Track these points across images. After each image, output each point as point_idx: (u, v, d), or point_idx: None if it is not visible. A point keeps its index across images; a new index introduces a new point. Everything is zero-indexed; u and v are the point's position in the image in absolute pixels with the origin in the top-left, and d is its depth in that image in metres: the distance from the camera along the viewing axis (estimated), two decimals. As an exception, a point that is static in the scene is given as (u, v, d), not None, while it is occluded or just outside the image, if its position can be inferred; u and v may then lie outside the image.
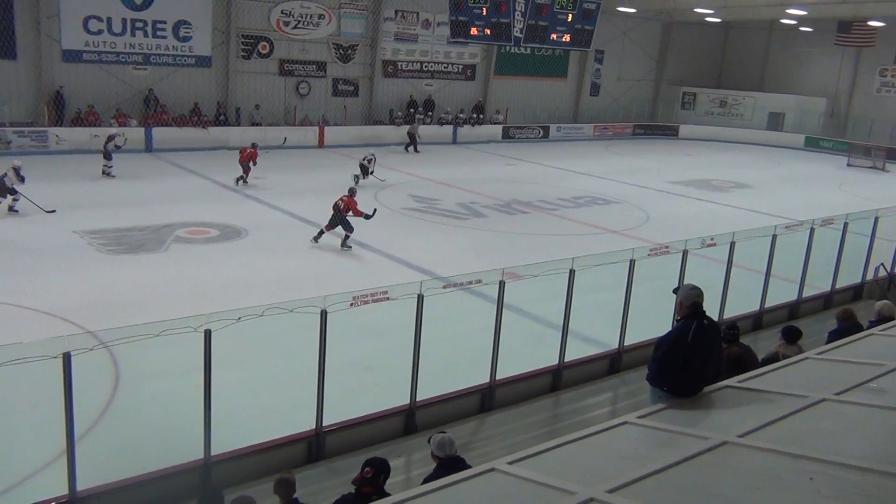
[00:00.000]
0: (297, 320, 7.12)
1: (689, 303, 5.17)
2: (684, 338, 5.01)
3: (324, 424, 7.48)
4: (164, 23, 26.73)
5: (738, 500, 3.19)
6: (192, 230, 16.14)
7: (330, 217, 15.59)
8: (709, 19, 38.97)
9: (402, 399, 8.10)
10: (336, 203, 15.65)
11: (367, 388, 9.21)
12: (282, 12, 29.21)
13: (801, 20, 36.84)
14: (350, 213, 15.54)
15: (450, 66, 34.71)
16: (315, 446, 7.50)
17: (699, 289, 5.27)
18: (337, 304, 7.10)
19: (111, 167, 21.19)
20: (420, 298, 7.73)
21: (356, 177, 21.03)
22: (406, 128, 30.79)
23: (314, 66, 30.62)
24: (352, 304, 7.22)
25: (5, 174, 16.45)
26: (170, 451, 7.06)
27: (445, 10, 19.56)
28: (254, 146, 21.52)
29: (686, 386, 4.86)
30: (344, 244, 15.58)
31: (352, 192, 16.23)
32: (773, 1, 29.88)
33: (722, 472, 3.56)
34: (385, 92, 32.78)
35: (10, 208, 16.56)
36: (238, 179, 21.05)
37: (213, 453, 6.82)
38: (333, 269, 14.10)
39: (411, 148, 29.74)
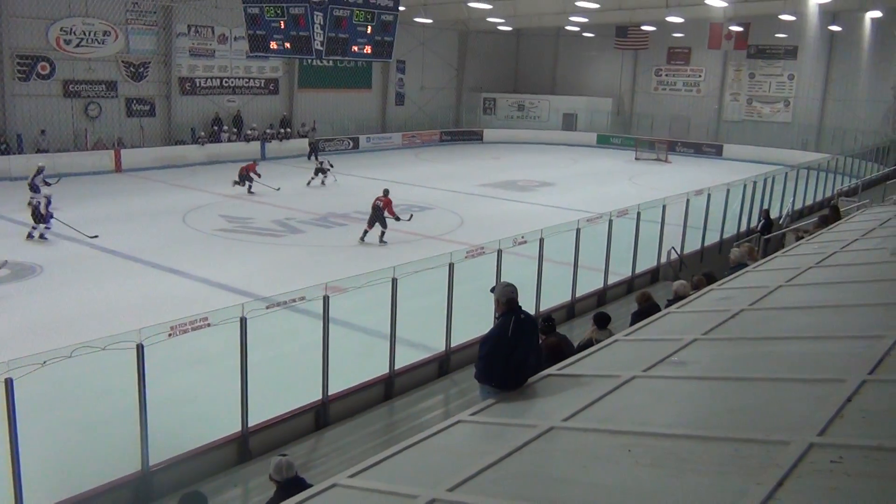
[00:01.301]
0: (111, 358, 6.70)
1: (505, 299, 5.41)
2: (504, 333, 5.25)
3: (150, 464, 7.08)
4: (-77, 45, 24.09)
5: (568, 481, 3.40)
6: (-22, 272, 14.67)
7: (369, 216, 17.76)
8: (501, 28, 40.91)
9: (233, 427, 7.84)
10: (375, 203, 17.81)
11: (195, 419, 8.82)
12: (61, 30, 27.17)
13: (584, 26, 39.64)
14: (386, 211, 17.77)
15: (251, 80, 33.95)
16: (143, 488, 7.08)
17: (513, 285, 5.54)
18: (154, 336, 6.75)
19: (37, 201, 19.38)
20: (243, 321, 7.52)
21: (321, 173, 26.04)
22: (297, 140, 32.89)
23: (103, 86, 28.75)
24: (170, 335, 6.90)
25: (39, 202, 17.21)
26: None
27: (242, 24, 19.05)
28: (254, 161, 25.65)
29: (511, 379, 5.09)
30: (381, 239, 17.79)
31: (386, 192, 18.31)
32: (557, 9, 31.89)
33: (551, 456, 3.78)
34: (185, 110, 31.43)
35: (41, 236, 17.28)
36: (235, 183, 23.85)
37: (26, 512, 6.27)
38: (147, 300, 13.32)
39: (313, 156, 30.86)
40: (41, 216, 17.23)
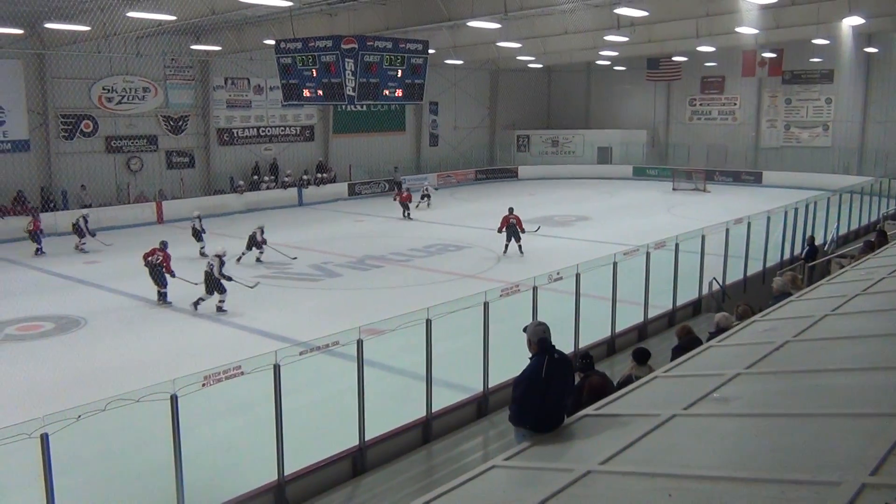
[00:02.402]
0: (146, 410, 6.69)
1: (537, 339, 5.29)
2: (538, 374, 5.11)
3: (187, 516, 7.01)
4: (-27, 109, 24.99)
5: (605, 528, 3.25)
6: (24, 326, 14.94)
7: (506, 233, 21.26)
8: (531, 65, 41.12)
9: (269, 475, 7.75)
10: (508, 219, 21.27)
11: (231, 469, 8.76)
12: (103, 88, 28.05)
13: (614, 60, 39.67)
14: (518, 227, 21.29)
15: (287, 128, 34.58)
16: (180, 541, 7.01)
17: (545, 324, 5.41)
18: (188, 386, 6.73)
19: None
20: (276, 368, 7.47)
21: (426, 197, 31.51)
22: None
23: (144, 141, 29.54)
24: (204, 385, 6.87)
25: (255, 232, 20.61)
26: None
27: (276, 75, 19.44)
28: (407, 190, 30.30)
29: (547, 422, 4.94)
30: (521, 250, 21.34)
31: (511, 210, 21.61)
32: (586, 45, 31.97)
33: (588, 501, 3.62)
34: (223, 160, 32.11)
35: (258, 259, 20.68)
36: (406, 215, 28.64)
37: (63, 569, 6.23)
38: (185, 349, 13.41)
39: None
40: (258, 243, 20.54)
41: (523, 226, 21.45)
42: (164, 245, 16.97)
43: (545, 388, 5.03)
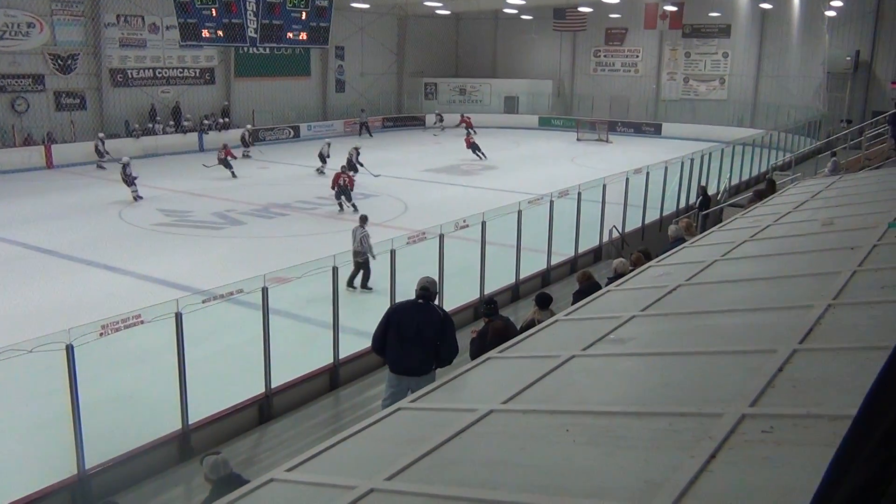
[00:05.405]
0: (42, 360, 6.46)
1: (416, 289, 5.92)
2: (386, 312, 6.05)
3: (87, 467, 6.86)
4: None
5: (506, 463, 3.38)
6: None
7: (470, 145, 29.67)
8: (439, 12, 40.64)
9: (174, 425, 7.65)
10: (467, 140, 30.12)
11: (134, 419, 8.58)
12: (-18, 23, 26.13)
13: (522, 9, 39.68)
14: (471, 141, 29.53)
15: (186, 70, 33.16)
16: (80, 493, 6.87)
17: (428, 278, 6.13)
18: (84, 335, 6.52)
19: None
20: (178, 317, 7.32)
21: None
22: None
23: (30, 80, 27.75)
24: (101, 334, 6.67)
25: (350, 156, 23.74)
26: None
27: (173, 13, 18.57)
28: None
29: (393, 359, 5.54)
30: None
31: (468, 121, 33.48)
32: (494, -8, 31.90)
33: (490, 439, 3.75)
34: (118, 103, 30.56)
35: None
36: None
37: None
38: (84, 299, 12.86)
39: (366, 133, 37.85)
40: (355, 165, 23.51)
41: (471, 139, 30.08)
42: (343, 168, 21.54)
43: (385, 325, 5.49)
